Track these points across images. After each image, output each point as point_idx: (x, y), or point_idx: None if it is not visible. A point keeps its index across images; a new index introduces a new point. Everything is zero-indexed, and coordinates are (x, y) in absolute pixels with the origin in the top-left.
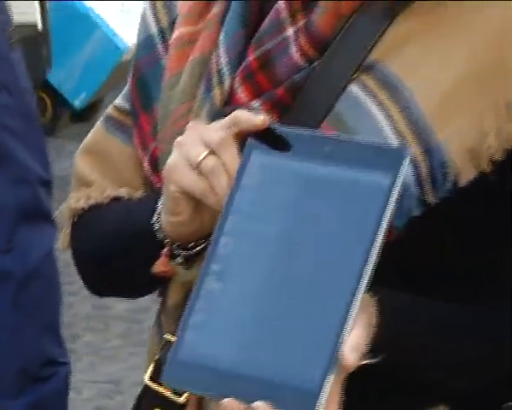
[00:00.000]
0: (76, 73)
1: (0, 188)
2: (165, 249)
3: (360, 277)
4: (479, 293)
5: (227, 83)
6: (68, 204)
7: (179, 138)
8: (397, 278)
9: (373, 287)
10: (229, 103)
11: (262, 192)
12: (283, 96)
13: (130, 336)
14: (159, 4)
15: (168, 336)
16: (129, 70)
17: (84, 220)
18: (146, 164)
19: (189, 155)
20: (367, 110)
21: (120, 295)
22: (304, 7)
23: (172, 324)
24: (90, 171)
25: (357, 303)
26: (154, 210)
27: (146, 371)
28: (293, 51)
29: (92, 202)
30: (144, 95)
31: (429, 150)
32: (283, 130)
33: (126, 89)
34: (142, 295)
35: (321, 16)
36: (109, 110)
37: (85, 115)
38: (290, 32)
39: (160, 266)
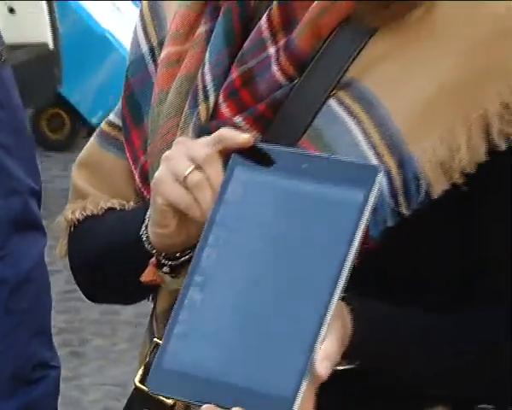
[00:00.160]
0: (93, 92)
1: None
2: (153, 259)
3: (334, 288)
4: (454, 302)
5: (212, 99)
6: (65, 215)
7: (166, 153)
8: (375, 287)
9: (350, 296)
10: (214, 118)
11: (244, 207)
12: (265, 112)
13: (137, 341)
14: (149, 23)
15: (157, 340)
16: None
17: (79, 231)
18: (137, 177)
19: (176, 169)
20: (344, 125)
21: (114, 302)
22: (284, 27)
23: (162, 329)
24: (85, 183)
25: (330, 313)
26: (143, 221)
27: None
28: (275, 69)
29: (87, 213)
30: (135, 111)
31: (403, 164)
32: (265, 147)
33: (118, 106)
34: (136, 302)
35: (300, 36)
36: (102, 126)
37: None
38: (272, 50)
39: (147, 275)
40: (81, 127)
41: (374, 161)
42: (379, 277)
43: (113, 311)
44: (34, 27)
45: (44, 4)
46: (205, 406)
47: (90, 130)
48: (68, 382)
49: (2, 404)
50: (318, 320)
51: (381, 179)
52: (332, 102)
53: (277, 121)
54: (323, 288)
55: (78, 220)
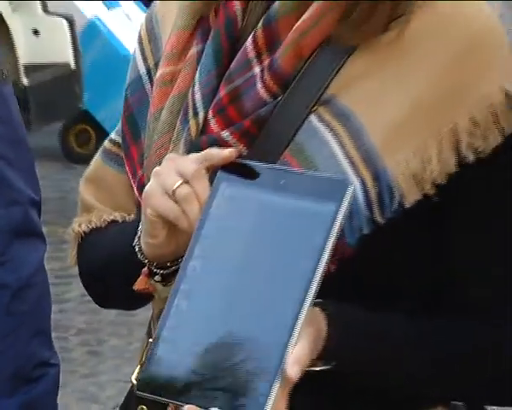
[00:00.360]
0: (117, 110)
1: None
2: (145, 269)
3: (305, 295)
4: (424, 311)
5: (201, 116)
6: (73, 227)
7: (157, 168)
8: (352, 294)
9: (326, 302)
10: (204, 134)
11: (227, 219)
12: (250, 128)
13: None
14: (146, 46)
15: (151, 341)
16: None
17: (85, 243)
18: (135, 189)
19: (165, 183)
20: (323, 140)
21: (120, 308)
22: (268, 48)
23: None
24: (90, 197)
25: (302, 319)
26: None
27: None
28: (259, 87)
29: (92, 225)
30: (134, 129)
31: (378, 175)
32: (247, 164)
33: (119, 125)
34: (137, 308)
35: (283, 56)
36: (105, 144)
37: None
38: (257, 70)
39: (140, 283)
40: None
41: (350, 173)
42: (355, 284)
43: (128, 313)
44: (57, 48)
45: (66, 27)
46: (186, 406)
47: None
48: (87, 379)
49: (4, 401)
50: (290, 326)
51: (351, 192)
52: (313, 118)
53: (262, 136)
54: (296, 295)
55: (84, 233)
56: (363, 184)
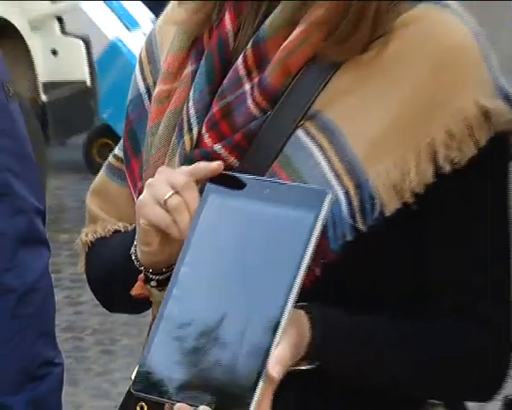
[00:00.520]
0: None
1: (2, 218)
2: (141, 275)
3: (287, 299)
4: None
5: (195, 130)
6: (81, 237)
7: (150, 180)
8: (336, 301)
9: (310, 305)
10: (198, 147)
11: (216, 228)
12: (241, 142)
13: None
14: (146, 66)
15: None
16: None
17: (92, 251)
18: (136, 200)
19: (157, 193)
20: (309, 152)
21: (124, 312)
22: (258, 66)
23: None
24: (96, 209)
25: (284, 321)
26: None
27: None
28: (250, 103)
29: (97, 235)
30: (134, 143)
31: (360, 185)
32: (234, 176)
33: (121, 140)
34: (142, 311)
35: (272, 74)
36: (109, 159)
37: None
38: (247, 87)
39: (136, 289)
40: None
41: (334, 183)
42: (339, 290)
43: (139, 314)
44: (74, 67)
45: (83, 47)
46: (178, 404)
47: None
48: (100, 376)
49: (12, 398)
50: (273, 328)
51: (330, 201)
52: (299, 132)
53: (252, 149)
54: (279, 299)
55: (91, 242)
56: (347, 193)
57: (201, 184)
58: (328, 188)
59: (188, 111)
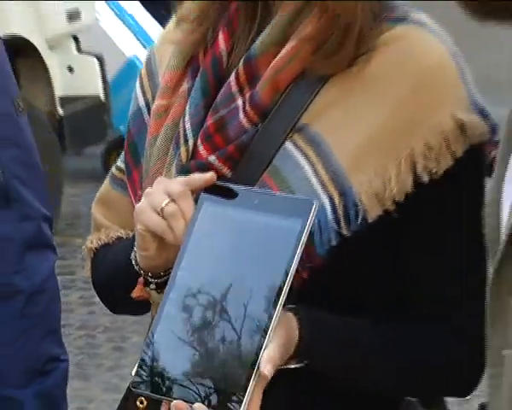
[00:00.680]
0: None
1: (10, 224)
2: (141, 278)
3: (276, 302)
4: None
5: (190, 142)
6: (86, 244)
7: (148, 189)
8: (322, 304)
9: (298, 307)
10: (193, 158)
11: (209, 234)
12: (233, 153)
13: None
14: (145, 82)
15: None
16: None
17: (97, 257)
18: None
19: (154, 201)
20: (297, 163)
21: (127, 313)
22: (249, 82)
23: None
24: (101, 217)
25: (273, 323)
26: None
27: None
28: (242, 117)
29: (101, 242)
30: (135, 155)
31: (344, 193)
32: (227, 186)
33: (123, 153)
34: (144, 313)
35: (262, 90)
36: (113, 170)
37: None
38: (239, 102)
39: (136, 291)
40: None
41: (320, 191)
42: (325, 295)
43: (148, 314)
44: (89, 83)
45: (97, 64)
46: (174, 401)
47: None
48: (111, 371)
49: (21, 391)
50: (264, 329)
51: (315, 210)
52: (288, 145)
53: (244, 160)
54: (269, 301)
55: (96, 248)
56: (332, 201)
57: (196, 193)
58: (315, 197)
59: (184, 125)
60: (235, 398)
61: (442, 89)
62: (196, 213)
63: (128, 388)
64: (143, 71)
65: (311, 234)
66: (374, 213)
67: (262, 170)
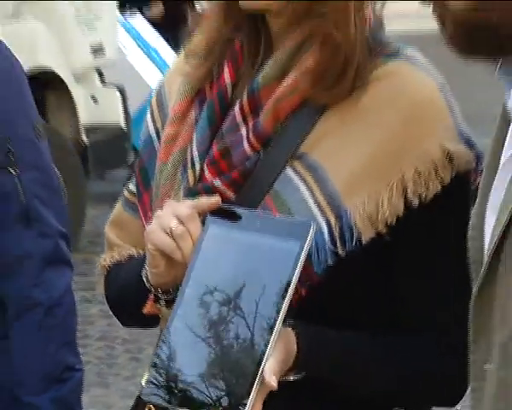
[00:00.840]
0: None
1: (31, 241)
2: (151, 295)
3: (277, 318)
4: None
5: (197, 167)
6: (100, 262)
7: (158, 212)
8: (318, 321)
9: (295, 322)
10: (200, 182)
11: (215, 255)
12: (237, 178)
13: None
14: (155, 111)
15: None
16: None
17: (110, 274)
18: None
19: (164, 223)
20: (296, 188)
21: (138, 327)
22: (252, 112)
23: None
24: (114, 236)
25: (274, 337)
26: None
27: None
28: (245, 145)
29: (114, 260)
30: (145, 179)
31: (340, 216)
32: (231, 209)
33: (134, 177)
34: (154, 326)
35: (264, 119)
36: (125, 193)
37: None
38: (243, 131)
39: (148, 307)
40: None
41: (317, 214)
42: (321, 314)
43: None
44: (111, 112)
45: (119, 95)
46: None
47: None
48: (128, 380)
49: (40, 397)
50: (265, 344)
51: (313, 232)
52: (288, 170)
53: (247, 184)
54: (270, 317)
55: (109, 266)
56: (328, 223)
57: (203, 215)
58: (313, 219)
59: (192, 151)
60: (237, 408)
61: (431, 122)
62: (203, 234)
63: (138, 395)
64: (154, 101)
65: (309, 254)
66: (367, 234)
67: (264, 194)
